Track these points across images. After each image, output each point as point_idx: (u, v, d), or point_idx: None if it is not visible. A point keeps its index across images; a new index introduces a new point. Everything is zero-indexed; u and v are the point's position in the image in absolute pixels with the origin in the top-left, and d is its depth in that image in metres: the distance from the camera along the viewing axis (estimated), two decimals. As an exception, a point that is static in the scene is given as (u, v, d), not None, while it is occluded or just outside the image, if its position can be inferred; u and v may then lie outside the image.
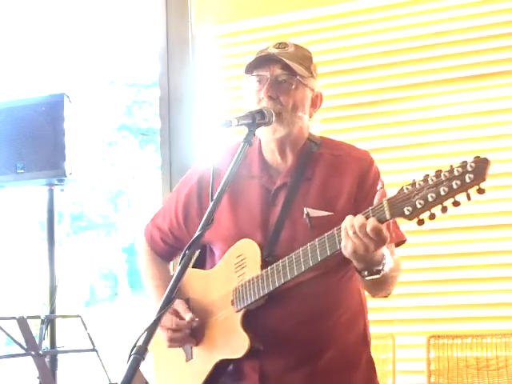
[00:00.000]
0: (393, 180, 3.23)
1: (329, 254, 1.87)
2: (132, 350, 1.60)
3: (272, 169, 2.17)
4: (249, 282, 2.03)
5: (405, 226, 1.98)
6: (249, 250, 2.07)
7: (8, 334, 2.88)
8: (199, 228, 1.82)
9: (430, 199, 1.67)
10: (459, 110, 3.69)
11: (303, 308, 2.05)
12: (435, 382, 3.51)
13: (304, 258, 1.92)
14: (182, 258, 1.77)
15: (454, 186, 1.63)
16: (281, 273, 1.96)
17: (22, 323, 2.95)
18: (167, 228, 2.30)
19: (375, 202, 1.78)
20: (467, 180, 1.62)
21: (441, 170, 1.66)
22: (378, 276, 1.87)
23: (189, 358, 2.19)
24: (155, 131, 4.54)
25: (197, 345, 2.15)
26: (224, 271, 2.13)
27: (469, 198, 1.63)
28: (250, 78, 2.13)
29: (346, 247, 1.80)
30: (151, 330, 1.64)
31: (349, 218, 1.80)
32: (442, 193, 1.65)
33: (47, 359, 3.27)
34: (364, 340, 2.18)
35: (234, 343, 2.04)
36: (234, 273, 2.09)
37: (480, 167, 1.62)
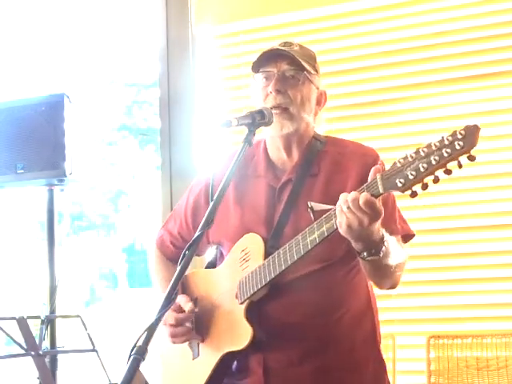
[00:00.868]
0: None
1: (326, 234, 1.87)
2: (132, 350, 1.60)
3: (277, 168, 2.18)
4: (252, 273, 2.04)
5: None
6: (253, 243, 2.07)
7: (8, 334, 2.88)
8: (199, 228, 1.83)
9: (422, 169, 1.68)
10: (460, 110, 3.69)
11: (306, 301, 2.05)
12: (435, 382, 3.50)
13: (303, 242, 1.92)
14: (181, 259, 1.77)
15: (445, 154, 1.65)
16: (281, 259, 1.97)
17: (22, 323, 2.94)
18: (177, 232, 2.32)
19: (369, 178, 1.80)
20: (457, 147, 1.63)
21: (431, 142, 1.68)
22: (377, 257, 1.88)
23: (195, 355, 2.19)
24: (155, 131, 4.54)
25: (203, 341, 2.15)
26: (229, 267, 2.14)
27: (460, 165, 1.65)
28: (257, 75, 2.14)
29: (341, 224, 1.81)
30: (151, 330, 1.64)
31: (343, 195, 1.82)
32: (433, 162, 1.66)
33: (47, 359, 3.27)
34: (373, 340, 2.17)
35: (237, 335, 2.04)
36: (238, 267, 2.09)
37: (470, 134, 1.63)
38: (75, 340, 3.30)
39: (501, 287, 3.58)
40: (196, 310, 2.14)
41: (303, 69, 2.10)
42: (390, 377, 3.53)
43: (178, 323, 2.13)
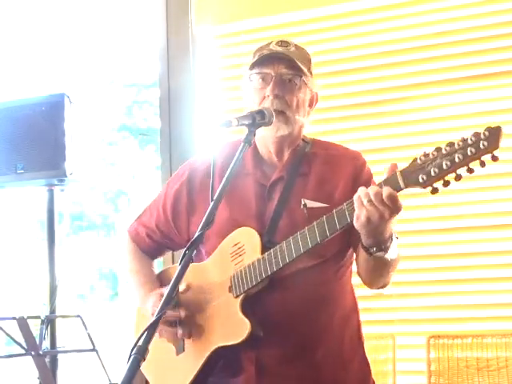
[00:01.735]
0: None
1: (338, 228, 1.88)
2: (132, 349, 1.60)
3: (266, 165, 2.18)
4: (248, 266, 2.02)
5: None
6: (247, 238, 2.06)
7: (8, 334, 2.88)
8: (199, 228, 1.82)
9: (445, 167, 1.72)
10: (461, 110, 3.69)
11: (300, 297, 2.05)
12: (435, 382, 3.50)
13: (311, 235, 1.92)
14: (181, 259, 1.77)
15: (469, 153, 1.70)
16: (285, 252, 1.96)
17: (22, 323, 2.94)
18: (154, 224, 2.30)
19: (386, 174, 1.82)
20: (481, 147, 1.69)
21: (454, 141, 1.72)
22: (384, 254, 1.89)
23: (180, 351, 2.15)
24: (155, 131, 4.54)
25: (189, 337, 2.12)
26: (218, 261, 2.12)
27: (483, 164, 1.70)
28: (252, 75, 2.13)
29: (360, 217, 1.81)
30: (151, 330, 1.63)
31: (361, 188, 1.83)
32: (457, 160, 1.71)
33: (47, 359, 3.27)
34: (358, 339, 2.19)
35: (233, 329, 2.02)
36: (229, 261, 2.07)
37: (493, 134, 1.69)
38: (75, 340, 3.30)
39: (501, 287, 3.58)
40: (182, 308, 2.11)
41: (301, 73, 2.10)
42: (390, 377, 3.55)
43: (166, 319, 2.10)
